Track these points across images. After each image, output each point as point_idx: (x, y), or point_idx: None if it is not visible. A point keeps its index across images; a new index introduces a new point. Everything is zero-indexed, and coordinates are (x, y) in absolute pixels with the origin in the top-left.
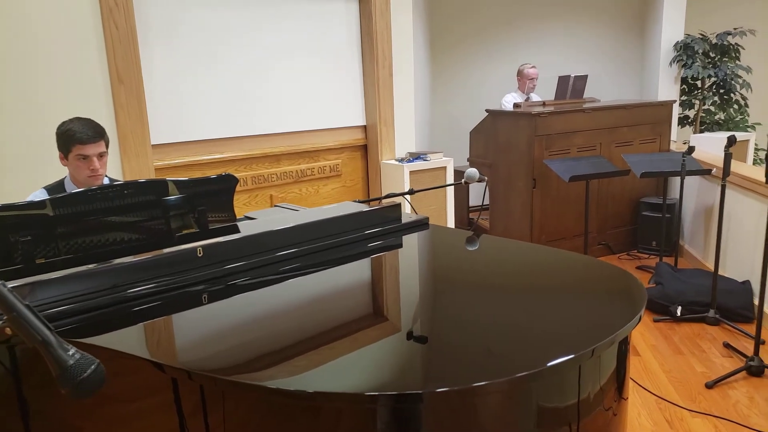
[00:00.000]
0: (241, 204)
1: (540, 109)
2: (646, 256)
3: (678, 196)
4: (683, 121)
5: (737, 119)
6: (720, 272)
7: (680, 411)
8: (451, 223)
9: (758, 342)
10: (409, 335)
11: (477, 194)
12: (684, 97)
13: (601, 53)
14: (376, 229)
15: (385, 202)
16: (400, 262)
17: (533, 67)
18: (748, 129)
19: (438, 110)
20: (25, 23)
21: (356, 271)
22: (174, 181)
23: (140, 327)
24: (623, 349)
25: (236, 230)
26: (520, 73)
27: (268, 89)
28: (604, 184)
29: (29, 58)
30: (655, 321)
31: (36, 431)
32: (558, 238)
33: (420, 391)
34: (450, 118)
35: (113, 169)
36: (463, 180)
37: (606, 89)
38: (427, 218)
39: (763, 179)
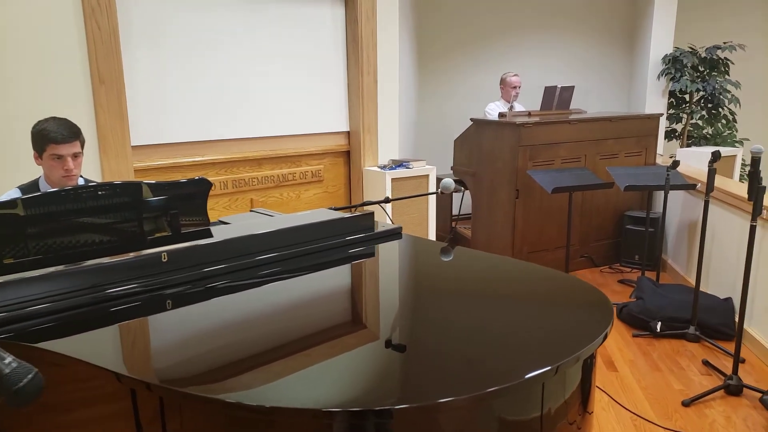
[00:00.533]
0: (221, 207)
1: (525, 119)
2: (629, 269)
3: (662, 210)
4: (670, 134)
5: (725, 134)
6: (702, 288)
7: (655, 428)
8: (432, 232)
9: (737, 360)
10: (387, 343)
11: (458, 203)
12: (672, 111)
13: (589, 65)
14: (348, 237)
15: (365, 209)
16: (369, 272)
17: (516, 75)
18: (736, 144)
19: (424, 118)
20: (7, 21)
21: (327, 280)
22: (148, 184)
23: (99, 332)
24: (589, 363)
25: (208, 234)
26: (502, 82)
27: (252, 93)
28: (588, 196)
29: (9, 56)
30: (635, 336)
31: None
32: (540, 249)
33: (380, 408)
34: (436, 126)
35: (93, 170)
36: (439, 190)
37: (593, 102)
38: (401, 227)
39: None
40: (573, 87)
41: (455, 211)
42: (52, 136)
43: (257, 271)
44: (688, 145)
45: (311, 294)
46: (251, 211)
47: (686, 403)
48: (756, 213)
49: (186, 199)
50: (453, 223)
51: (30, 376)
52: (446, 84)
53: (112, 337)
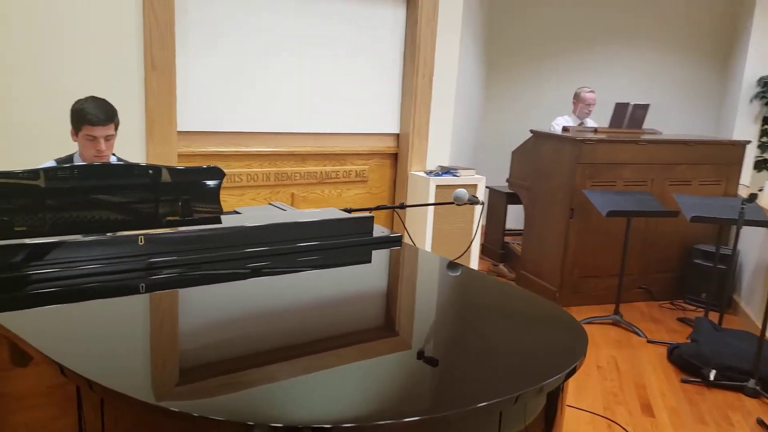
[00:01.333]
0: (261, 199)
1: (587, 135)
2: (693, 308)
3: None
4: (762, 165)
5: None
6: None
7: None
8: (476, 245)
9: None
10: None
11: (516, 217)
12: (765, 139)
13: (677, 84)
14: (344, 239)
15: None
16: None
17: (591, 91)
18: None
19: (488, 127)
20: (66, 11)
21: (309, 281)
22: (165, 168)
23: (47, 309)
24: (554, 393)
25: (218, 221)
26: (576, 96)
27: (301, 87)
28: (653, 223)
29: (72, 38)
30: (683, 381)
31: None
32: (592, 275)
33: (315, 426)
34: (500, 137)
35: (138, 152)
36: (453, 201)
37: (676, 123)
38: (400, 236)
39: None
40: (647, 105)
41: (516, 225)
42: (88, 117)
43: (253, 262)
44: None
45: (293, 294)
46: (270, 204)
47: None
48: None
49: (199, 187)
50: (507, 238)
51: None
52: (515, 95)
53: (53, 315)
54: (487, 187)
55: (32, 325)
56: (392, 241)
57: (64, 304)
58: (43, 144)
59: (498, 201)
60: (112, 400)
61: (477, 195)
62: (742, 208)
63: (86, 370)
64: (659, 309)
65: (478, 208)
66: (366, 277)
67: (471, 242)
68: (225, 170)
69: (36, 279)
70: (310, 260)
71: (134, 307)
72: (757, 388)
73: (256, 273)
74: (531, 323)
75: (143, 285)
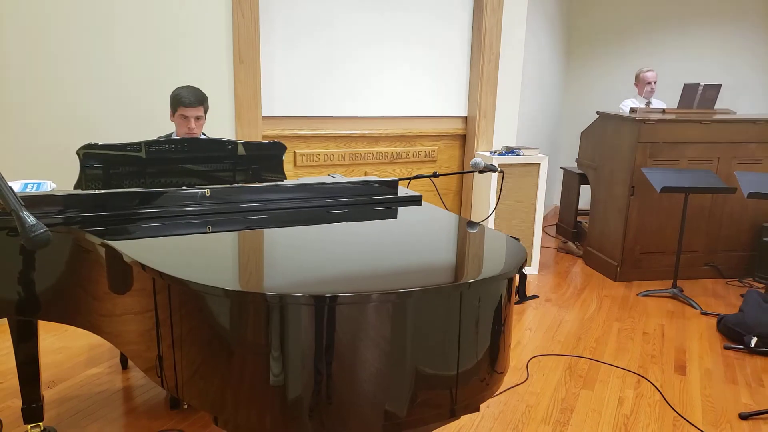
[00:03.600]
0: None
1: (649, 115)
2: (761, 285)
3: None
4: None
5: None
6: None
7: (693, 431)
8: (539, 222)
9: None
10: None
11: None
12: None
13: (756, 62)
14: (372, 197)
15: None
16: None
17: (651, 70)
18: None
19: (567, 110)
20: (167, 11)
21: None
22: (242, 143)
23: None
24: (498, 307)
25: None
26: (637, 78)
27: (374, 74)
28: (719, 201)
29: (169, 40)
30: (725, 348)
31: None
32: (654, 251)
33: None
34: (579, 118)
35: (228, 134)
36: (471, 167)
37: (760, 104)
38: (420, 196)
39: None
40: (719, 85)
41: (582, 206)
42: (182, 100)
43: (291, 213)
44: None
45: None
46: (329, 175)
47: (744, 416)
48: None
49: (267, 158)
50: (580, 218)
51: (42, 230)
52: (592, 78)
53: (148, 245)
54: (561, 168)
55: (127, 246)
56: (413, 200)
57: (154, 238)
58: (148, 127)
59: (572, 181)
60: (175, 287)
61: (540, 173)
62: None
63: (157, 266)
64: (725, 286)
65: (542, 187)
66: (386, 226)
67: (492, 211)
68: (304, 150)
69: (133, 218)
70: (341, 213)
71: (197, 238)
72: None
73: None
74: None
75: (209, 226)
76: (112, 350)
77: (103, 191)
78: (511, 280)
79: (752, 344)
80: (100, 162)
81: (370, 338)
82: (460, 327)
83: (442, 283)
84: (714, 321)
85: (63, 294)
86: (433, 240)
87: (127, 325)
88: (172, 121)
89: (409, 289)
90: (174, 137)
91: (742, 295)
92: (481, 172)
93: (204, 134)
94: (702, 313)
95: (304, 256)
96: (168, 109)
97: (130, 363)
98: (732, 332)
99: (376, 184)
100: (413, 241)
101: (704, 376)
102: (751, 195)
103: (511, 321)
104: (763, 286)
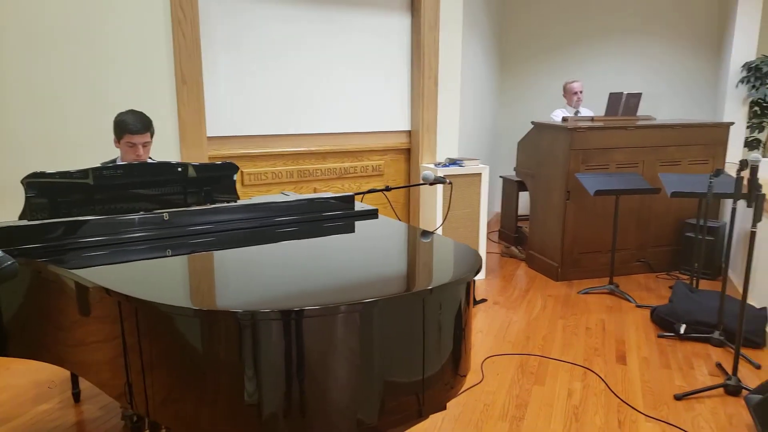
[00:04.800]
0: None
1: (580, 123)
2: (686, 277)
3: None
4: (753, 144)
5: None
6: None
7: (636, 415)
8: (483, 229)
9: (737, 361)
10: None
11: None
12: (755, 120)
13: (674, 72)
14: (331, 213)
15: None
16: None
17: (576, 81)
18: None
19: (503, 122)
20: (108, 31)
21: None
22: (188, 164)
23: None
24: (459, 313)
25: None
26: (565, 89)
27: (320, 92)
28: (647, 201)
29: (110, 60)
30: (659, 336)
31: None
32: (591, 250)
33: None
34: (513, 130)
35: (173, 156)
36: (421, 180)
37: (677, 109)
38: (376, 209)
39: None
40: (640, 94)
41: (522, 211)
42: (128, 127)
43: (244, 233)
44: None
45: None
46: (281, 193)
47: (678, 397)
48: (756, 219)
49: (218, 179)
50: (520, 223)
51: (9, 262)
52: (525, 90)
53: (107, 270)
54: (500, 176)
55: (87, 273)
56: (369, 214)
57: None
58: (88, 152)
59: (511, 189)
60: (143, 310)
61: (482, 183)
62: (710, 182)
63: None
64: (655, 280)
65: (484, 196)
66: (346, 240)
67: (443, 221)
68: (251, 169)
69: (88, 246)
70: (301, 230)
71: (158, 262)
72: (722, 338)
73: (259, 239)
74: (431, 252)
75: (169, 249)
76: (63, 385)
77: (56, 220)
78: (469, 285)
79: (682, 331)
80: (45, 191)
81: (339, 350)
82: (424, 333)
83: (405, 291)
84: (648, 312)
85: (26, 328)
86: (392, 251)
87: (94, 353)
88: (117, 147)
89: (374, 299)
90: (119, 162)
91: (670, 287)
92: (431, 184)
93: (151, 158)
94: (637, 306)
95: (270, 274)
96: (111, 135)
97: (83, 396)
98: (664, 322)
99: (333, 200)
100: (373, 253)
101: (642, 363)
102: (674, 194)
103: (471, 325)
104: (688, 277)
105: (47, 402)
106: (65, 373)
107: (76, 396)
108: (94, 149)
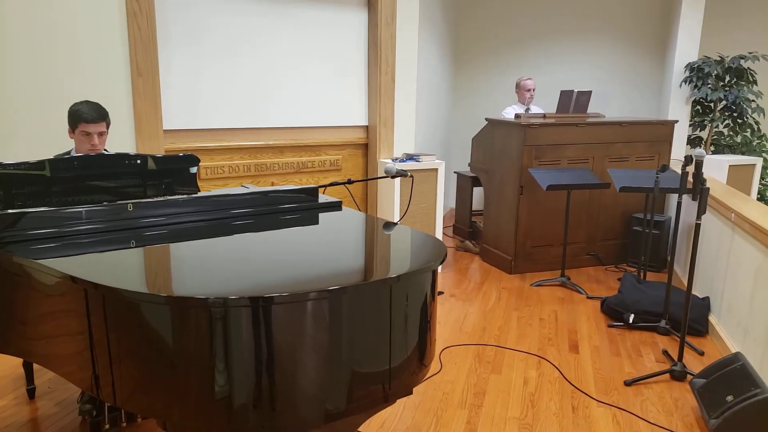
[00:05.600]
0: None
1: (533, 120)
2: (633, 269)
3: (674, 213)
4: (695, 142)
5: (754, 143)
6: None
7: (588, 400)
8: (439, 223)
9: (682, 348)
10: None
11: (482, 198)
12: (697, 119)
13: (622, 71)
14: (294, 205)
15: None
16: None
17: (529, 78)
18: (765, 153)
19: (458, 117)
20: (61, 22)
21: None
22: (149, 156)
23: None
24: (424, 303)
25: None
26: (517, 86)
27: (277, 87)
28: (596, 196)
29: (62, 52)
30: (609, 326)
31: None
32: (543, 244)
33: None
34: (469, 125)
35: (128, 148)
36: (384, 173)
37: (625, 107)
38: (340, 201)
39: (723, 199)
40: (590, 92)
41: (481, 207)
42: (83, 116)
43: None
44: (714, 153)
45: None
46: (241, 186)
47: (628, 383)
48: (700, 212)
49: (179, 171)
50: (474, 218)
51: None
52: (479, 87)
53: (75, 260)
54: (455, 172)
55: (52, 263)
56: (333, 206)
57: (79, 255)
58: (41, 144)
59: (465, 184)
60: (110, 296)
61: (438, 178)
62: (657, 178)
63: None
64: (604, 272)
65: (440, 191)
66: (312, 232)
67: (404, 214)
68: (208, 163)
69: (48, 237)
70: (267, 221)
71: (123, 253)
72: (668, 327)
73: (226, 229)
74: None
75: (133, 240)
76: (17, 381)
77: (15, 211)
78: (434, 274)
79: (630, 321)
80: (0, 182)
81: (307, 339)
82: (391, 322)
83: (373, 278)
84: (598, 303)
85: None
86: (358, 241)
87: (61, 346)
88: (71, 138)
89: (342, 286)
90: (74, 154)
91: (619, 279)
92: (393, 177)
93: (106, 150)
94: (588, 298)
95: (239, 264)
96: (65, 126)
97: (38, 392)
98: (613, 312)
99: (299, 193)
100: (339, 244)
101: (593, 352)
102: (623, 189)
103: (435, 316)
104: (635, 269)
105: (1, 399)
106: (19, 370)
107: (31, 392)
108: (48, 141)
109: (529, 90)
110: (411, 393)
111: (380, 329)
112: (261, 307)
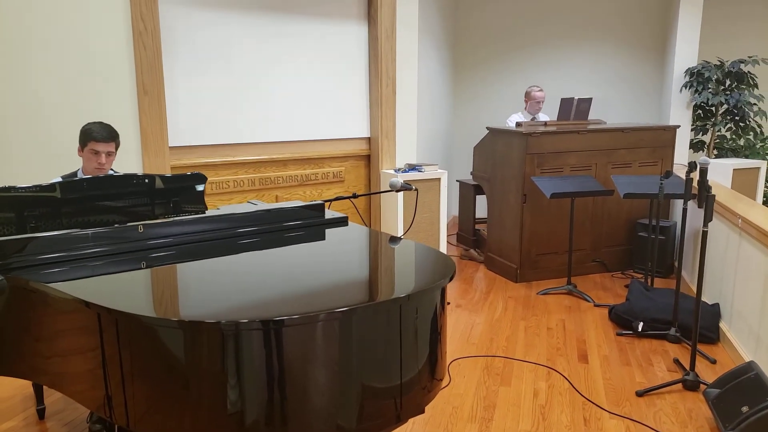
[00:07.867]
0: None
1: (535, 128)
2: (640, 276)
3: (680, 219)
4: (698, 146)
5: (758, 146)
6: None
7: (600, 412)
8: (443, 232)
9: (694, 357)
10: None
11: (485, 206)
12: (699, 123)
13: (622, 77)
14: (300, 222)
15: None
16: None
17: (540, 90)
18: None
19: (458, 126)
20: (70, 43)
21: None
22: (156, 176)
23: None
24: (434, 319)
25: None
26: (527, 95)
27: (280, 101)
28: (600, 203)
29: (73, 72)
30: (618, 335)
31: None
32: (548, 252)
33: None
34: (469, 134)
35: (135, 166)
36: (389, 187)
37: (626, 113)
38: (346, 217)
39: (729, 204)
40: (590, 99)
41: (484, 215)
42: (93, 135)
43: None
44: (716, 157)
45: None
46: (248, 202)
47: (640, 394)
48: (707, 220)
49: (187, 189)
50: (478, 226)
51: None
52: (479, 96)
53: (85, 283)
54: (457, 180)
55: (66, 287)
56: (339, 222)
57: (91, 278)
58: (51, 163)
59: (468, 192)
60: (123, 319)
61: (441, 187)
62: (661, 184)
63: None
64: (611, 279)
65: (443, 200)
66: (319, 248)
67: (409, 227)
68: (213, 178)
69: (61, 261)
70: (274, 238)
71: (134, 274)
72: (678, 334)
73: (238, 247)
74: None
75: (144, 262)
76: (26, 401)
77: (30, 235)
78: (443, 290)
79: (639, 329)
80: (11, 205)
81: (318, 357)
82: (401, 339)
83: (382, 298)
84: (606, 311)
85: (4, 342)
86: (365, 258)
87: (74, 363)
88: (80, 155)
89: (353, 307)
90: (80, 175)
91: (626, 286)
92: (398, 191)
93: (113, 170)
94: (595, 305)
95: (249, 283)
96: (73, 146)
97: (47, 412)
98: (622, 320)
99: (305, 209)
100: (346, 260)
101: (603, 361)
102: (627, 195)
103: (446, 330)
104: (642, 275)
105: (11, 419)
106: (28, 389)
107: (41, 412)
108: (56, 161)
109: (538, 102)
110: (423, 412)
111: (391, 345)
112: (272, 330)
